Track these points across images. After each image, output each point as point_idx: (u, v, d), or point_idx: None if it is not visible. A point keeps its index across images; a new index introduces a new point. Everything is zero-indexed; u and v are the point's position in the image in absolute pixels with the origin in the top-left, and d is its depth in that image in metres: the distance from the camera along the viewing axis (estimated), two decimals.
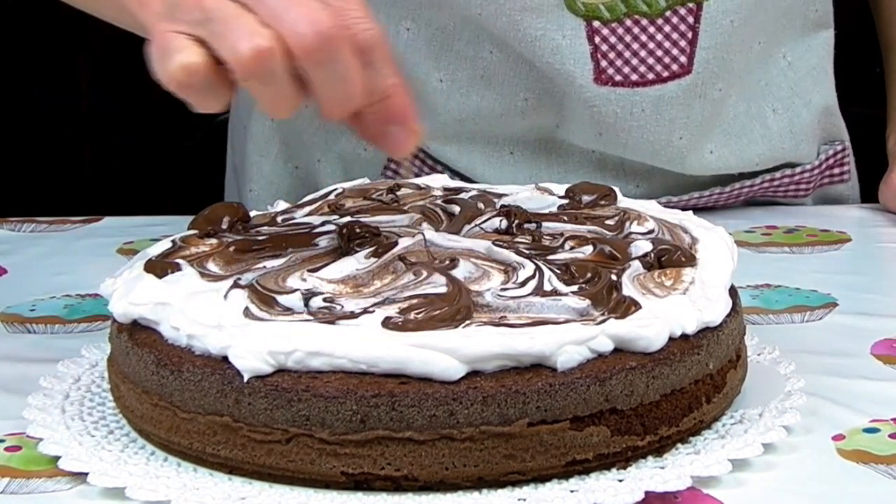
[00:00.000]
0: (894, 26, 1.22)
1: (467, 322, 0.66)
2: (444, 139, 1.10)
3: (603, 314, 0.67)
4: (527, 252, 0.74)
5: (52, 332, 0.88)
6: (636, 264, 0.73)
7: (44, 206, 1.29)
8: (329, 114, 0.69)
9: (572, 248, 0.75)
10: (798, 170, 1.15)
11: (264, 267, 0.73)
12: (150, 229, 1.08)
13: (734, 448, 0.68)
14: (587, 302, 0.68)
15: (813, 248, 1.04)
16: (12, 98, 2.15)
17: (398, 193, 0.85)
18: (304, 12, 0.66)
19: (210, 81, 0.67)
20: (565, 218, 0.80)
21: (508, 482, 0.65)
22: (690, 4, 1.04)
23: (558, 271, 0.71)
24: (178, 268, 0.74)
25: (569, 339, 0.65)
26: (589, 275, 0.71)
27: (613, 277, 0.71)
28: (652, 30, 1.04)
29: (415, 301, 0.68)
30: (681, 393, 0.68)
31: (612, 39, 1.03)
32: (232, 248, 0.76)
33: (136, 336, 0.70)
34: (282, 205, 0.86)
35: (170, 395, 0.67)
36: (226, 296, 0.69)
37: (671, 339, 0.68)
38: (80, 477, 0.67)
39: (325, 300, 0.68)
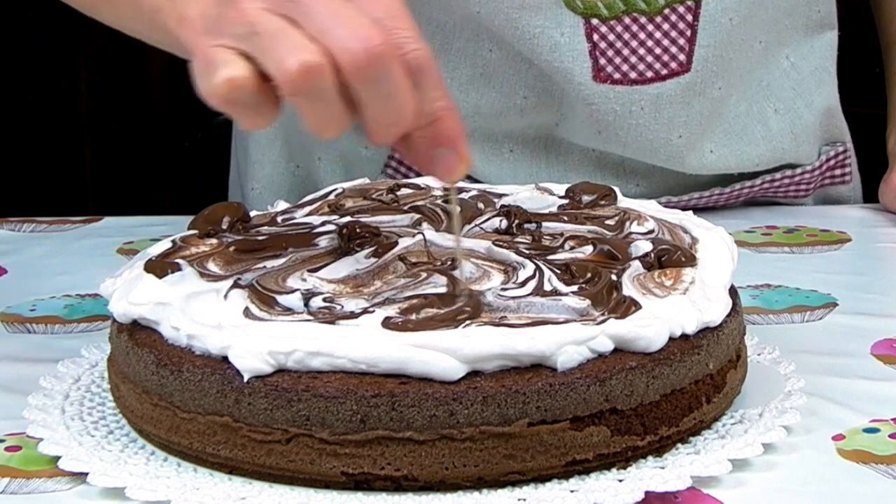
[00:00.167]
0: (894, 26, 1.22)
1: (467, 322, 0.66)
2: None
3: (603, 314, 0.67)
4: (527, 252, 0.74)
5: (52, 332, 0.88)
6: (636, 264, 0.73)
7: (44, 206, 1.29)
8: (377, 136, 0.67)
9: (572, 248, 0.75)
10: (799, 170, 1.15)
11: (264, 267, 0.73)
12: (150, 229, 1.08)
13: (734, 448, 0.68)
14: (587, 302, 0.68)
15: (813, 248, 1.04)
16: (12, 98, 2.14)
17: (398, 193, 0.85)
18: (355, 29, 0.64)
19: (256, 97, 0.65)
20: (565, 218, 0.80)
21: (508, 482, 0.65)
22: (689, 2, 1.04)
23: (558, 271, 0.71)
24: (178, 268, 0.74)
25: (569, 339, 0.65)
26: (589, 275, 0.71)
27: (613, 277, 0.71)
28: (650, 28, 1.04)
29: (415, 301, 0.68)
30: (681, 393, 0.68)
31: (611, 37, 1.03)
32: (232, 249, 0.76)
33: (136, 336, 0.70)
34: (282, 205, 0.86)
35: (170, 395, 0.67)
36: (226, 296, 0.70)
37: (671, 339, 0.68)
38: (80, 477, 0.67)
39: (325, 300, 0.68)
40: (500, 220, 0.79)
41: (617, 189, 0.85)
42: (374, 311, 0.67)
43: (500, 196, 0.85)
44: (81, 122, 2.18)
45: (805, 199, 1.18)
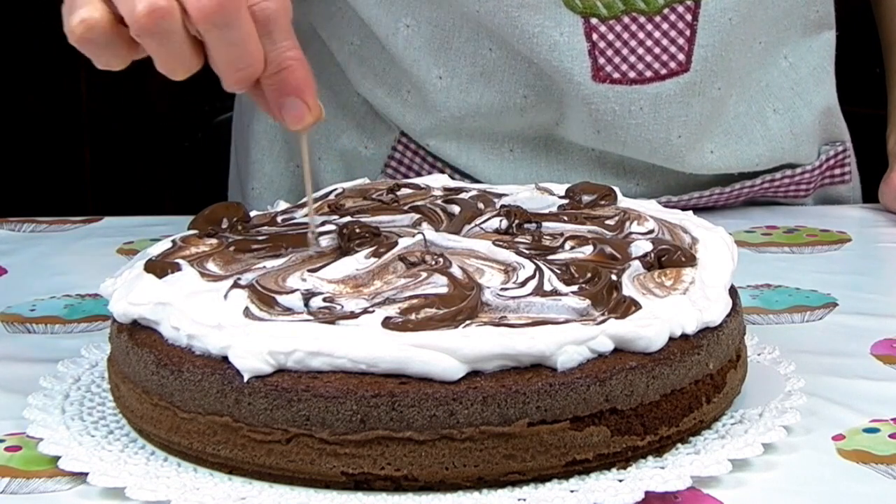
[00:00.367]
0: (894, 25, 1.22)
1: (467, 322, 0.66)
2: (443, 136, 1.10)
3: (603, 314, 0.67)
4: (527, 252, 0.74)
5: (52, 332, 0.88)
6: (636, 264, 0.73)
7: (44, 206, 1.29)
8: (227, 81, 0.71)
9: (572, 248, 0.75)
10: (798, 170, 1.15)
11: (264, 267, 0.73)
12: (149, 229, 1.08)
13: (734, 448, 0.68)
14: (587, 302, 0.68)
15: (813, 248, 1.04)
16: (12, 98, 2.14)
17: (398, 193, 0.85)
18: None
19: (109, 38, 0.69)
20: (565, 218, 0.80)
21: (508, 482, 0.65)
22: (689, 2, 1.04)
23: (558, 271, 0.71)
24: (178, 268, 0.74)
25: (569, 339, 0.65)
26: (589, 275, 0.71)
27: (613, 277, 0.71)
28: (650, 27, 1.04)
29: (416, 301, 0.68)
30: (681, 393, 0.68)
31: (610, 37, 1.03)
32: (232, 248, 0.76)
33: (136, 336, 0.70)
34: (282, 205, 0.86)
35: (170, 395, 0.67)
36: (226, 296, 0.70)
37: (671, 339, 0.68)
38: (80, 477, 0.67)
39: (325, 300, 0.68)
40: (500, 220, 0.79)
41: (617, 189, 0.85)
42: (374, 311, 0.67)
43: (500, 196, 0.85)
44: (81, 122, 2.18)
45: (805, 199, 1.18)
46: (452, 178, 1.05)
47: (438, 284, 0.70)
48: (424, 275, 0.71)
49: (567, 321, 0.67)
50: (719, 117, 1.10)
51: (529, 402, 0.64)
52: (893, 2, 1.21)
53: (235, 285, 0.70)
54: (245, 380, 0.65)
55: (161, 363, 0.68)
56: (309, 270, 0.72)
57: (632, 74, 1.04)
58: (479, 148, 1.11)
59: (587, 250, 0.75)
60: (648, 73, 1.05)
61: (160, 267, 0.74)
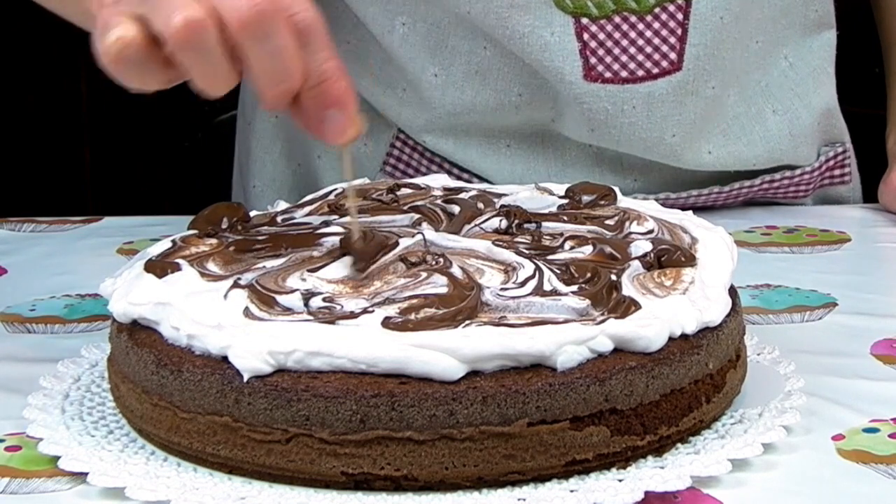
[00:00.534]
0: (894, 25, 1.22)
1: (467, 322, 0.66)
2: (440, 133, 1.11)
3: (603, 314, 0.67)
4: (527, 252, 0.74)
5: (52, 331, 0.88)
6: (636, 264, 0.73)
7: (44, 206, 1.29)
8: (266, 96, 0.69)
9: (572, 247, 0.75)
10: (798, 171, 1.15)
11: (264, 267, 0.73)
12: (149, 229, 1.08)
13: (734, 448, 0.68)
14: (587, 302, 0.68)
15: (813, 248, 1.04)
16: (12, 98, 2.14)
17: (398, 193, 0.85)
18: None
19: (144, 56, 0.67)
20: (565, 218, 0.80)
21: (508, 482, 0.65)
22: (680, 1, 1.04)
23: (558, 271, 0.71)
24: (177, 268, 0.74)
25: (568, 338, 0.65)
26: (589, 275, 0.71)
27: (613, 277, 0.71)
28: (641, 27, 1.04)
29: (415, 301, 0.68)
30: (680, 393, 0.68)
31: (601, 36, 1.03)
32: (232, 248, 0.76)
33: (136, 336, 0.70)
34: (282, 205, 0.87)
35: (170, 394, 0.67)
36: (226, 296, 0.70)
37: (671, 338, 0.68)
38: (80, 477, 0.67)
39: (324, 300, 0.68)
40: (500, 220, 0.79)
41: (617, 189, 0.86)
42: (373, 311, 0.67)
43: (500, 196, 0.85)
44: (81, 122, 2.18)
45: (805, 200, 1.18)
46: (450, 175, 1.06)
47: (438, 284, 0.70)
48: (424, 275, 0.71)
49: (567, 321, 0.67)
50: (716, 117, 1.10)
51: (529, 401, 0.64)
52: (893, 2, 1.21)
53: (235, 285, 0.70)
54: (245, 380, 0.65)
55: (161, 363, 0.68)
56: (309, 270, 0.72)
57: (623, 74, 1.04)
58: (476, 144, 1.11)
59: (587, 250, 0.75)
60: (640, 73, 1.05)
61: (160, 267, 0.74)
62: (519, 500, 0.64)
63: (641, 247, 0.75)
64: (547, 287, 0.70)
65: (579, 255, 0.74)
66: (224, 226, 0.80)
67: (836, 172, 1.19)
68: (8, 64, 2.13)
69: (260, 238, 0.78)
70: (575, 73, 1.04)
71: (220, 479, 0.66)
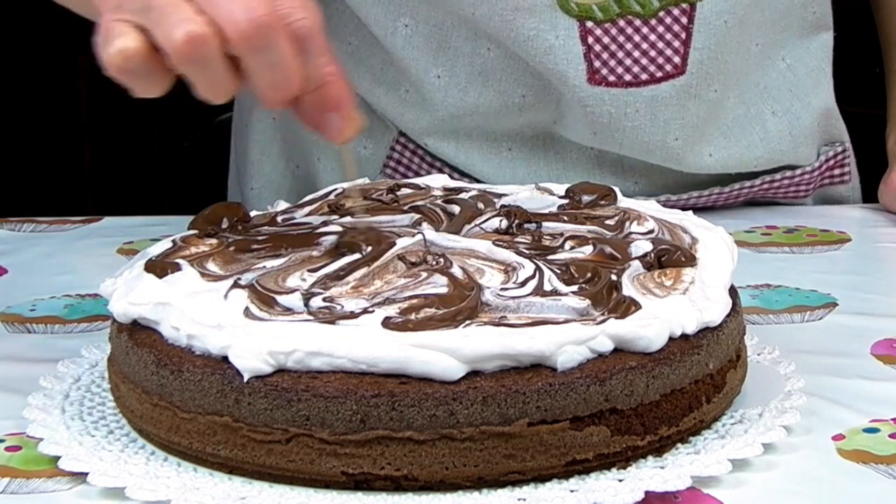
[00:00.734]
0: (894, 25, 1.22)
1: (467, 322, 0.66)
2: (441, 135, 1.10)
3: (603, 314, 0.67)
4: (527, 252, 0.74)
5: (52, 331, 0.88)
6: (636, 264, 0.73)
7: (44, 206, 1.29)
8: (267, 101, 0.71)
9: (572, 248, 0.75)
10: (798, 171, 1.15)
11: (264, 267, 0.73)
12: (150, 229, 1.08)
13: (734, 448, 0.68)
14: (587, 302, 0.68)
15: (813, 248, 1.04)
16: (12, 98, 2.14)
17: (398, 193, 0.85)
18: (241, 1, 0.68)
19: (146, 66, 0.69)
20: (565, 218, 0.80)
21: (508, 482, 0.65)
22: (684, 5, 1.04)
23: (558, 271, 0.71)
24: (178, 268, 0.74)
25: (569, 338, 0.65)
26: (589, 275, 0.71)
27: (613, 277, 0.71)
28: (645, 30, 1.04)
29: (415, 301, 0.68)
30: (681, 393, 0.68)
31: (606, 40, 1.03)
32: (232, 248, 0.76)
33: (136, 336, 0.70)
34: (282, 205, 0.86)
35: (170, 395, 0.67)
36: (226, 296, 0.70)
37: (671, 338, 0.68)
38: (80, 477, 0.67)
39: (324, 300, 0.68)
40: (500, 220, 0.79)
41: (617, 189, 0.86)
42: (373, 311, 0.67)
43: (500, 196, 0.85)
44: (81, 122, 2.18)
45: (805, 200, 1.18)
46: (451, 178, 1.05)
47: (438, 284, 0.69)
48: (424, 275, 0.71)
49: (567, 321, 0.66)
50: (717, 120, 1.10)
51: (529, 401, 0.64)
52: (893, 2, 1.21)
53: (235, 285, 0.70)
54: (245, 380, 0.65)
55: (161, 363, 0.68)
56: (309, 270, 0.72)
57: (627, 77, 1.04)
58: (478, 146, 1.11)
59: (587, 250, 0.75)
60: (644, 76, 1.05)
61: (160, 267, 0.74)
62: (519, 500, 0.64)
63: (641, 247, 0.75)
64: (547, 287, 0.70)
65: (579, 255, 0.74)
66: (224, 226, 0.80)
67: (836, 172, 1.19)
68: (8, 64, 2.13)
69: (260, 238, 0.78)
70: (579, 77, 1.04)
71: (221, 479, 0.66)
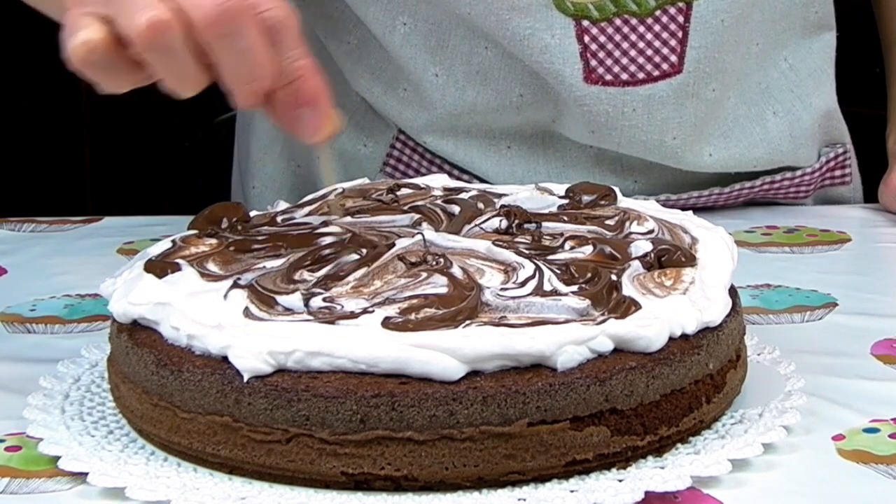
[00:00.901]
0: (895, 25, 1.22)
1: (467, 322, 0.66)
2: (440, 133, 1.11)
3: (603, 314, 0.67)
4: (527, 252, 0.74)
5: (52, 332, 0.88)
6: (636, 264, 0.73)
7: (44, 206, 1.29)
8: (237, 95, 0.69)
9: (572, 248, 0.75)
10: (798, 172, 1.15)
11: (264, 267, 0.73)
12: (150, 229, 1.08)
13: (734, 448, 0.68)
14: (587, 302, 0.68)
15: (813, 248, 1.04)
16: (12, 98, 2.14)
17: (398, 193, 0.85)
18: None
19: (112, 59, 0.67)
20: (565, 218, 0.80)
21: (508, 482, 0.65)
22: (680, 4, 1.04)
23: (558, 271, 0.71)
24: (177, 268, 0.74)
25: (569, 339, 0.65)
26: (589, 275, 0.71)
27: (613, 277, 0.71)
28: (642, 29, 1.04)
29: (415, 301, 0.68)
30: (681, 393, 0.68)
31: (602, 39, 1.03)
32: (232, 249, 0.76)
33: (136, 336, 0.70)
34: (282, 205, 0.86)
35: (170, 395, 0.67)
36: (226, 296, 0.70)
37: (671, 339, 0.68)
38: (80, 477, 0.67)
39: (324, 300, 0.68)
40: (500, 220, 0.79)
41: (617, 189, 0.86)
42: (373, 311, 0.67)
43: (500, 196, 0.85)
44: (81, 122, 2.17)
45: (805, 200, 1.18)
46: (450, 176, 1.06)
47: (438, 284, 0.69)
48: (424, 275, 0.70)
49: (567, 321, 0.66)
50: (716, 119, 1.10)
51: (529, 402, 0.64)
52: (893, 1, 1.21)
53: (235, 285, 0.70)
54: (245, 380, 0.65)
55: (161, 363, 0.68)
56: (309, 270, 0.72)
57: (624, 76, 1.04)
58: (477, 145, 1.11)
59: (587, 250, 0.75)
60: (641, 75, 1.05)
61: (160, 267, 0.74)
62: (519, 500, 0.64)
63: (641, 247, 0.75)
64: (547, 287, 0.70)
65: (579, 255, 0.74)
66: (224, 226, 0.80)
67: (837, 173, 1.19)
68: (8, 64, 2.13)
69: (260, 238, 0.78)
70: (575, 76, 1.04)
71: (221, 480, 0.66)
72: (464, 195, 0.85)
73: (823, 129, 1.16)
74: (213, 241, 0.78)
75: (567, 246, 0.75)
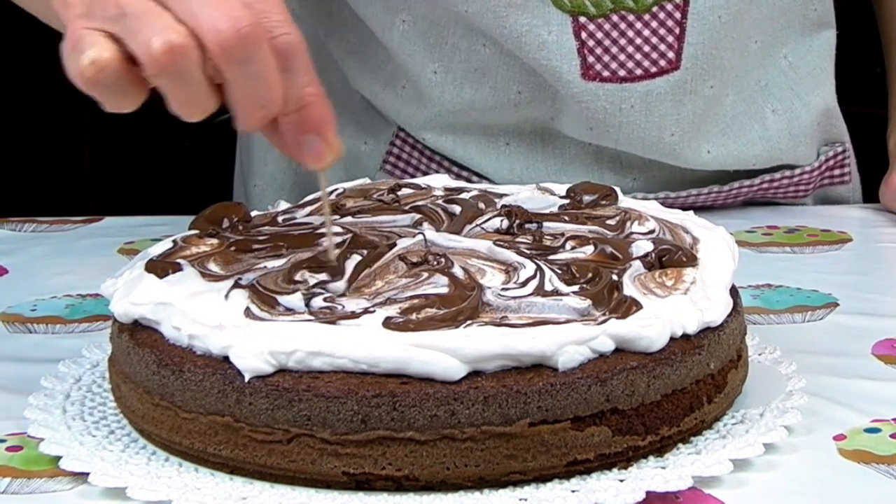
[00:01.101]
0: (895, 24, 1.22)
1: (468, 322, 0.66)
2: (439, 130, 1.11)
3: (604, 314, 0.67)
4: (528, 252, 0.74)
5: (53, 332, 0.88)
6: (637, 264, 0.73)
7: (44, 206, 1.29)
8: (245, 120, 0.67)
9: (573, 248, 0.75)
10: (797, 171, 1.15)
11: (265, 267, 0.73)
12: (150, 229, 1.08)
13: (735, 448, 0.68)
14: (588, 302, 0.68)
15: (814, 248, 1.04)
16: (12, 99, 2.14)
17: (399, 193, 0.85)
18: (222, 10, 0.65)
19: (121, 78, 0.65)
20: (566, 218, 0.80)
21: (510, 482, 0.65)
22: (678, 0, 1.04)
23: (559, 271, 0.71)
24: (179, 268, 0.74)
25: (570, 339, 0.65)
26: (590, 275, 0.71)
27: (614, 277, 0.71)
28: (639, 25, 1.04)
29: (416, 301, 0.68)
30: (682, 393, 0.68)
31: (599, 35, 1.03)
32: (233, 248, 0.76)
33: (138, 336, 0.70)
34: (283, 205, 0.87)
35: (171, 395, 0.67)
36: (227, 296, 0.69)
37: (672, 339, 0.68)
38: (81, 477, 0.67)
39: (325, 300, 0.68)
40: (501, 220, 0.79)
41: (618, 189, 0.86)
42: (374, 311, 0.67)
43: (501, 196, 0.85)
44: (81, 122, 2.18)
45: (804, 200, 1.18)
46: (450, 173, 1.06)
47: (439, 284, 0.70)
48: (425, 275, 0.71)
49: (568, 321, 0.66)
50: (715, 116, 1.10)
51: (530, 402, 0.64)
52: (894, 1, 1.21)
53: (236, 285, 0.70)
54: (246, 380, 0.65)
55: (162, 363, 0.68)
56: (309, 270, 0.72)
57: (621, 73, 1.04)
58: (476, 141, 1.11)
59: (588, 250, 0.75)
60: (638, 72, 1.05)
61: (161, 267, 0.74)
62: (520, 500, 0.64)
63: (643, 247, 0.75)
64: (548, 287, 0.70)
65: (580, 255, 0.74)
66: (225, 226, 0.80)
67: (836, 172, 1.19)
68: (8, 64, 2.13)
69: (261, 238, 0.78)
70: (573, 72, 1.04)
71: (222, 480, 0.66)
72: (465, 195, 0.85)
73: (822, 128, 1.16)
74: (214, 241, 0.78)
75: (568, 246, 0.75)
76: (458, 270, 0.71)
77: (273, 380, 0.65)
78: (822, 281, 0.95)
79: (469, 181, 1.09)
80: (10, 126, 2.16)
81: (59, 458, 0.68)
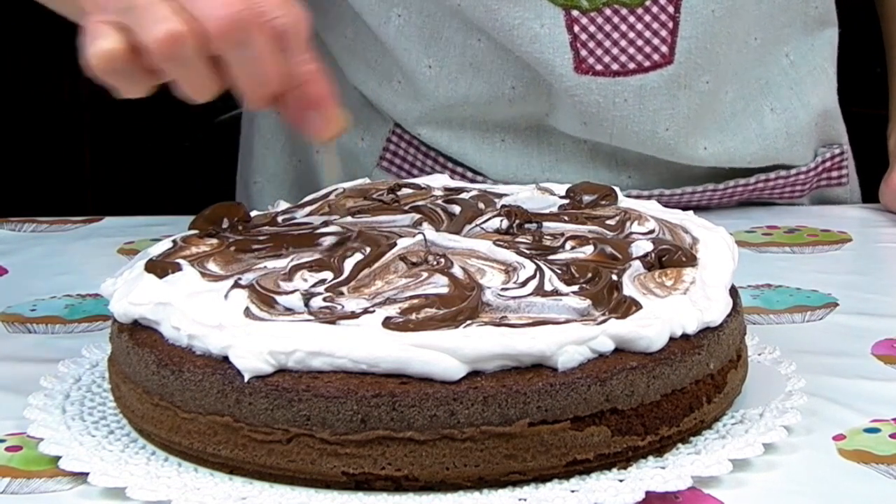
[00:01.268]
0: None
1: (468, 322, 0.66)
2: (435, 125, 1.11)
3: (604, 314, 0.67)
4: (527, 252, 0.74)
5: (53, 332, 0.88)
6: (637, 264, 0.73)
7: (44, 206, 1.29)
8: (249, 98, 0.73)
9: (573, 248, 0.75)
10: (793, 171, 1.15)
11: (265, 267, 0.73)
12: (150, 229, 1.08)
13: (735, 448, 0.68)
14: (588, 302, 0.68)
15: (814, 248, 1.04)
16: (13, 99, 2.14)
17: (398, 193, 0.85)
18: None
19: (129, 66, 0.71)
20: (566, 218, 0.80)
21: (509, 482, 0.65)
22: None
23: (559, 271, 0.71)
24: (178, 268, 0.74)
25: (569, 339, 0.65)
26: (589, 275, 0.71)
27: (614, 277, 0.71)
28: (632, 19, 1.04)
29: (416, 301, 0.68)
30: (681, 393, 0.68)
31: (592, 29, 1.03)
32: (232, 248, 0.76)
33: (137, 336, 0.70)
34: (283, 205, 0.87)
35: (170, 395, 0.67)
36: (226, 296, 0.70)
37: (672, 339, 0.68)
38: (81, 477, 0.67)
39: (325, 300, 0.68)
40: (501, 220, 0.79)
41: (618, 189, 0.86)
42: (374, 311, 0.67)
43: (501, 196, 0.85)
44: (82, 122, 2.18)
45: (801, 200, 1.18)
46: (445, 168, 1.06)
47: (439, 284, 0.69)
48: (425, 275, 0.71)
49: (568, 321, 0.66)
50: (713, 113, 1.10)
51: (530, 402, 0.64)
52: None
53: (236, 285, 0.70)
54: (246, 380, 0.65)
55: (162, 363, 0.68)
56: (310, 270, 0.72)
57: (615, 66, 1.04)
58: (471, 137, 1.11)
59: (588, 250, 0.75)
60: (631, 66, 1.05)
61: (161, 267, 0.74)
62: (520, 500, 0.64)
63: (642, 247, 0.75)
64: (548, 287, 0.70)
65: (580, 255, 0.74)
66: (224, 226, 0.80)
67: (833, 174, 1.19)
68: (8, 64, 2.13)
69: (260, 238, 0.78)
70: (566, 66, 1.04)
71: (221, 480, 0.66)
72: (464, 195, 0.85)
73: (820, 129, 1.16)
74: (214, 241, 0.78)
75: (568, 246, 0.75)
76: (457, 270, 0.71)
77: (273, 380, 0.65)
78: (821, 281, 0.95)
79: (464, 177, 1.09)
80: (10, 126, 2.16)
81: (58, 458, 0.68)
